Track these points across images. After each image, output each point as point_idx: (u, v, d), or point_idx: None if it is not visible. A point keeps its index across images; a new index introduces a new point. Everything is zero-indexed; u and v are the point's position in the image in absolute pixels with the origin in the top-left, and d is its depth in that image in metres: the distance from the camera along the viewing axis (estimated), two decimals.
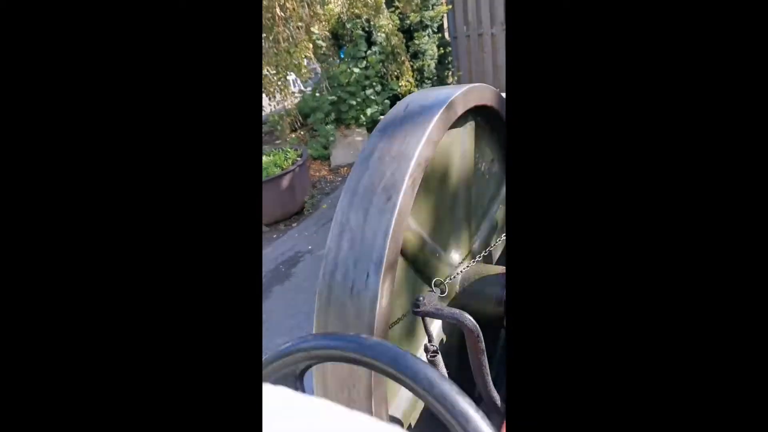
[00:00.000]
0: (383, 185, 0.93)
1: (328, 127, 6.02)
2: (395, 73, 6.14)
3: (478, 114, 1.32)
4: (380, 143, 1.02)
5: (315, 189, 5.50)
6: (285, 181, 4.61)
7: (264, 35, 3.92)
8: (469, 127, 1.30)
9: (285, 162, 4.74)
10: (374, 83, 6.35)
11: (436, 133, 1.02)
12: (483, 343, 0.99)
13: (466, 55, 7.59)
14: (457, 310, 0.96)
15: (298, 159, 4.84)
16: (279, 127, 5.45)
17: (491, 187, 1.56)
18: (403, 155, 0.96)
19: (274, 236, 4.63)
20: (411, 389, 0.55)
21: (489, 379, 1.05)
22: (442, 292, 1.02)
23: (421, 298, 0.94)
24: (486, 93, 1.28)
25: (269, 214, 4.71)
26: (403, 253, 1.02)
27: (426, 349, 0.95)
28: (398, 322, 1.04)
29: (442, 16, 7.12)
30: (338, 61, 6.29)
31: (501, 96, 1.35)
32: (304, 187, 5.03)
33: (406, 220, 0.96)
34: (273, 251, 4.34)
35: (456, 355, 1.21)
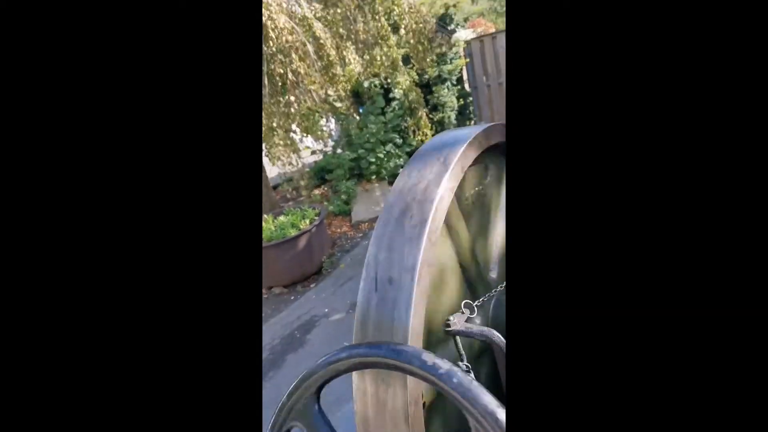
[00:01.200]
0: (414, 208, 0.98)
1: (348, 183, 6.02)
2: (413, 128, 6.15)
3: (497, 150, 1.40)
4: (408, 180, 1.08)
5: (335, 247, 5.42)
6: (302, 242, 4.55)
7: (276, 99, 4.01)
8: (496, 159, 1.37)
9: (302, 222, 4.70)
10: (394, 137, 6.37)
11: (462, 162, 1.08)
12: None
13: (487, 105, 7.57)
14: (486, 328, 1.00)
15: (316, 218, 4.80)
16: (302, 184, 5.49)
17: None
18: (431, 184, 1.01)
19: (291, 298, 4.51)
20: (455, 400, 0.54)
21: None
22: (471, 312, 1.06)
23: (452, 318, 0.98)
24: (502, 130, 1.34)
25: (286, 276, 4.62)
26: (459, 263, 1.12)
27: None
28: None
29: (461, 69, 7.21)
30: (357, 118, 6.40)
31: None
32: (323, 246, 4.95)
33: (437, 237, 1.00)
34: (288, 315, 4.20)
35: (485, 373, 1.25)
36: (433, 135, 6.27)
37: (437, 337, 1.03)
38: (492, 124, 1.27)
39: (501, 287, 1.26)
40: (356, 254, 5.04)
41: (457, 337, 0.99)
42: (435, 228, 0.95)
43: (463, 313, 1.06)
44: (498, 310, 1.26)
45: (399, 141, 6.41)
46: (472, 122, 7.24)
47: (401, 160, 6.34)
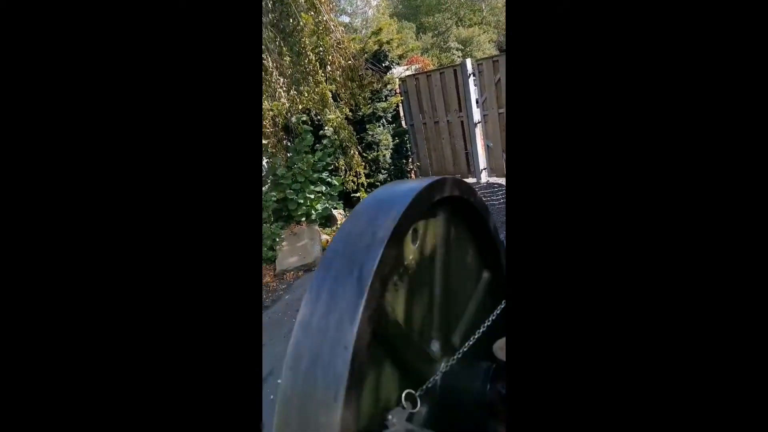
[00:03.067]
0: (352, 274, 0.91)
1: (273, 227, 5.49)
2: (345, 167, 5.79)
3: (446, 205, 1.29)
4: (342, 245, 1.00)
5: None
6: None
7: None
8: (441, 218, 1.28)
9: None
10: (324, 177, 5.97)
11: (405, 224, 1.01)
12: None
13: (424, 143, 7.40)
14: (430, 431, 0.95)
15: None
16: None
17: (469, 283, 1.50)
18: (370, 246, 0.94)
19: None
20: None
21: None
22: (413, 406, 0.94)
23: (390, 417, 0.91)
24: (451, 184, 1.26)
25: None
26: (380, 339, 0.97)
27: None
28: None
29: (397, 106, 7.02)
30: (286, 155, 5.94)
31: (467, 185, 1.37)
32: None
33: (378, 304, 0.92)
34: None
35: None
36: (366, 174, 5.93)
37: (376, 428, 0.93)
38: (435, 179, 1.18)
39: (448, 364, 1.10)
40: (275, 312, 4.47)
41: None
42: (372, 297, 0.88)
43: (404, 408, 0.93)
44: (447, 393, 1.11)
45: (330, 180, 6.00)
46: (409, 161, 7.02)
47: (332, 201, 5.92)
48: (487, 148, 6.80)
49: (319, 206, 5.79)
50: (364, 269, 0.90)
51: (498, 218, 5.92)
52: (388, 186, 1.26)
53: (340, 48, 5.21)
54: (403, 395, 0.95)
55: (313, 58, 5.05)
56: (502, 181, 6.75)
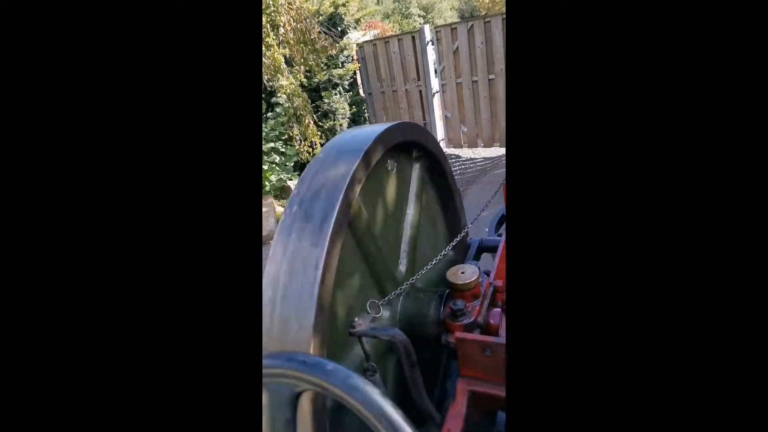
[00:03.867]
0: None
1: None
2: (299, 136, 5.58)
3: (405, 148, 1.39)
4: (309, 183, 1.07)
5: None
6: None
7: None
8: (402, 156, 1.40)
9: None
10: (277, 147, 5.75)
11: (368, 159, 1.10)
12: (414, 356, 1.06)
13: (382, 111, 7.26)
14: (391, 329, 1.05)
15: None
16: None
17: (431, 223, 1.65)
18: (338, 178, 1.03)
19: None
20: (358, 412, 0.61)
21: (424, 392, 1.11)
22: (377, 311, 1.05)
23: (357, 320, 0.99)
24: (408, 128, 1.35)
25: None
26: (354, 228, 1.10)
27: (365, 369, 0.99)
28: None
29: (354, 73, 6.80)
30: None
31: (423, 128, 1.49)
32: None
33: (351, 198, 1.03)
34: None
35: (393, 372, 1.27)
36: (322, 144, 5.76)
37: (343, 339, 1.04)
38: (398, 122, 1.28)
39: (409, 282, 1.24)
40: None
41: (363, 339, 0.99)
42: (339, 223, 0.96)
43: (369, 313, 1.04)
44: (406, 305, 1.27)
45: (284, 151, 5.79)
46: None
47: (287, 173, 5.73)
48: (445, 119, 6.76)
49: (273, 177, 5.59)
50: (335, 191, 0.99)
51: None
52: (349, 131, 1.33)
53: (291, 7, 4.91)
54: (368, 303, 1.06)
55: (264, 20, 4.74)
56: (460, 152, 6.76)
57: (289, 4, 4.92)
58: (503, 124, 6.20)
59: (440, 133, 6.78)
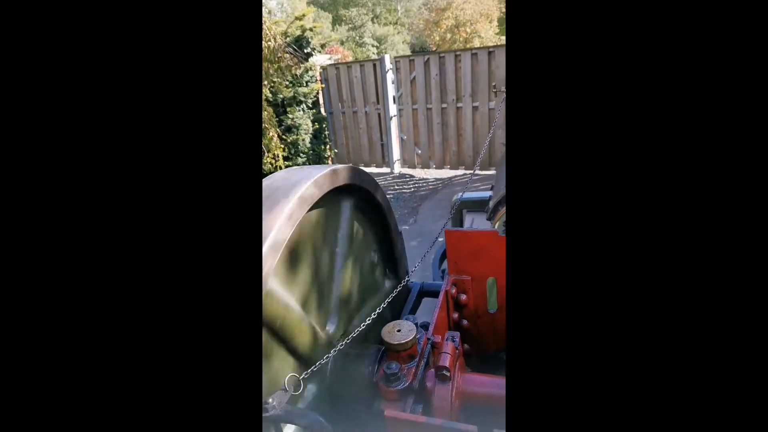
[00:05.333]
0: None
1: None
2: (263, 148, 5.80)
3: (345, 193, 1.32)
4: None
5: None
6: None
7: None
8: (343, 206, 1.33)
9: None
10: None
11: (297, 212, 1.05)
12: None
13: (342, 131, 7.66)
14: (310, 413, 0.93)
15: None
16: None
17: (365, 272, 1.54)
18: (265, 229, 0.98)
19: None
20: None
21: None
22: (296, 390, 0.94)
23: (271, 400, 0.88)
24: (348, 173, 1.30)
25: None
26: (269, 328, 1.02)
27: None
28: None
29: (317, 93, 7.16)
30: None
31: (364, 173, 1.41)
32: None
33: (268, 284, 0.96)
34: None
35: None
36: (284, 157, 6.00)
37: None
38: (336, 166, 1.24)
39: (340, 346, 1.13)
40: None
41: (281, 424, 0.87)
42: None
43: (286, 390, 0.92)
44: (336, 363, 1.16)
45: None
46: (327, 147, 7.21)
47: None
48: (401, 141, 7.28)
49: None
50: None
51: (408, 204, 6.34)
52: (289, 170, 1.27)
53: None
54: (286, 379, 0.94)
55: None
56: (414, 172, 7.29)
57: None
58: (454, 148, 6.84)
59: (396, 154, 7.28)
